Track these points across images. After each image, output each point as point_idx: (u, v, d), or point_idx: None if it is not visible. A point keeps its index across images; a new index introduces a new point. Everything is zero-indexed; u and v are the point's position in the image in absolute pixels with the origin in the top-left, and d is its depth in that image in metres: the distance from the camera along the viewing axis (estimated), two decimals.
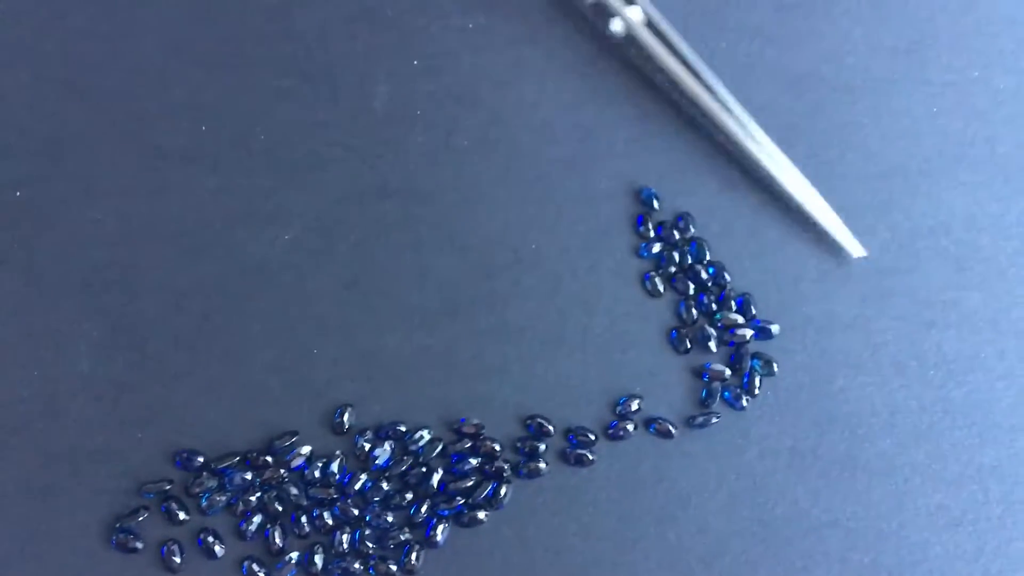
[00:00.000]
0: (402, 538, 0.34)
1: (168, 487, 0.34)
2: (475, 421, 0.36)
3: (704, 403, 0.36)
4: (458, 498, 0.34)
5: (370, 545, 0.34)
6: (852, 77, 0.39)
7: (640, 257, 0.38)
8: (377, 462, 0.35)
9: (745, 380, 0.37)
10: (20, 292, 0.36)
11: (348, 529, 0.34)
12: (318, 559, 0.34)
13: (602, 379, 0.37)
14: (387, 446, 0.35)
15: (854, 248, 0.35)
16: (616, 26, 0.37)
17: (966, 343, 0.38)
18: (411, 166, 0.39)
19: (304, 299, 0.36)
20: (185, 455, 0.34)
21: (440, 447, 0.35)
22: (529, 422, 0.36)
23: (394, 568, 0.34)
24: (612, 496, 0.36)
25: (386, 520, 0.34)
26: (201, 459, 0.34)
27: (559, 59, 0.40)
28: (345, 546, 0.34)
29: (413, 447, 0.35)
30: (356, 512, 0.34)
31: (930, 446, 0.38)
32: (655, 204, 0.40)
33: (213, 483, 0.34)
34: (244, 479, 0.34)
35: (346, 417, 0.36)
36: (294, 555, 0.34)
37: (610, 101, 0.39)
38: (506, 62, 0.39)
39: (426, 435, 0.35)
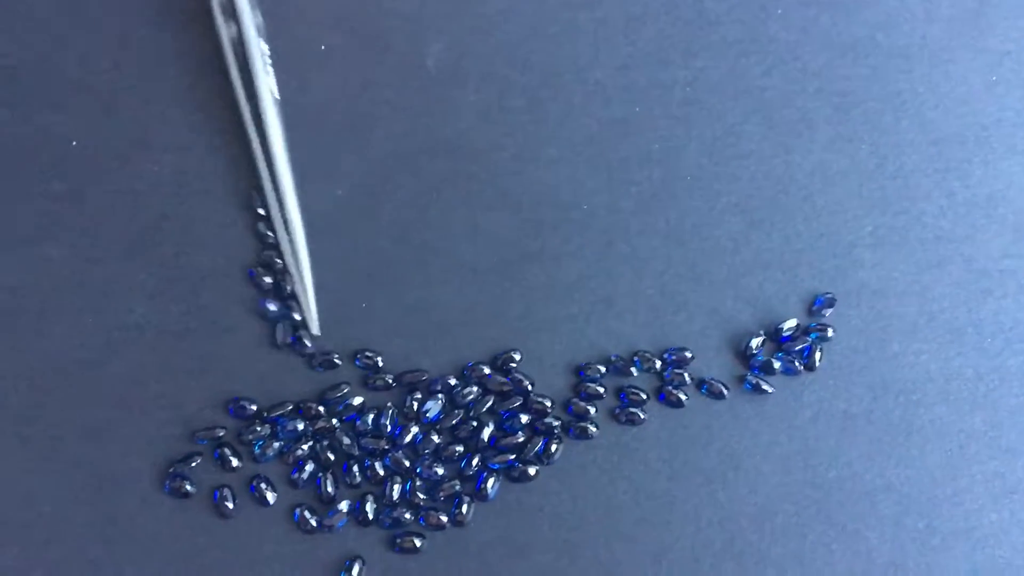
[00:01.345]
0: (453, 490, 0.34)
1: (221, 434, 0.34)
2: (485, 370, 0.35)
3: (758, 369, 0.35)
4: (509, 453, 0.34)
5: (421, 496, 0.34)
6: (909, 44, 0.39)
7: (693, 219, 0.37)
8: (428, 415, 0.34)
9: (804, 351, 0.36)
10: (75, 241, 0.36)
11: (399, 480, 0.33)
12: (369, 508, 0.33)
13: (653, 340, 0.36)
14: (438, 399, 0.34)
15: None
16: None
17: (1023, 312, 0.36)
18: (463, 125, 0.39)
19: (354, 253, 0.36)
20: (238, 403, 0.34)
21: (490, 402, 0.34)
22: (579, 385, 0.35)
23: (444, 519, 0.34)
24: (662, 456, 0.35)
25: (437, 472, 0.34)
26: (254, 407, 0.34)
27: (612, 21, 0.39)
28: (396, 496, 0.33)
29: (463, 401, 0.34)
30: (407, 463, 0.34)
31: (986, 413, 0.37)
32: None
33: (266, 431, 0.34)
34: (296, 428, 0.33)
35: (377, 358, 0.35)
36: (345, 504, 0.33)
37: (661, 62, 0.38)
38: (560, 22, 0.38)
39: (476, 390, 0.34)
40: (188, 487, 0.33)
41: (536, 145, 0.37)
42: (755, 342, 0.35)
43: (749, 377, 0.35)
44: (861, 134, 0.39)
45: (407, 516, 0.33)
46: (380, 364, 0.35)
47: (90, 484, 0.34)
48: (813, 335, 0.36)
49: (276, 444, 0.34)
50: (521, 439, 0.34)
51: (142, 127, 0.37)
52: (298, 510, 0.33)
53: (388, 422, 0.34)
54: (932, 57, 0.39)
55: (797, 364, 0.35)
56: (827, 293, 0.36)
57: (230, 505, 0.33)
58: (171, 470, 0.34)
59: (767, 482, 0.35)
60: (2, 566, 0.33)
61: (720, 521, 0.35)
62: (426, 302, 0.35)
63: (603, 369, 0.35)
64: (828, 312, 0.36)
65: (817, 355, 0.35)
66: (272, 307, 0.35)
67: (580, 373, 0.35)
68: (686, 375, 0.35)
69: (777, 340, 0.36)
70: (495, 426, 0.34)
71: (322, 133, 0.37)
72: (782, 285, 0.37)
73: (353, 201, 0.36)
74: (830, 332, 0.36)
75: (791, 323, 0.36)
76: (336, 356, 0.35)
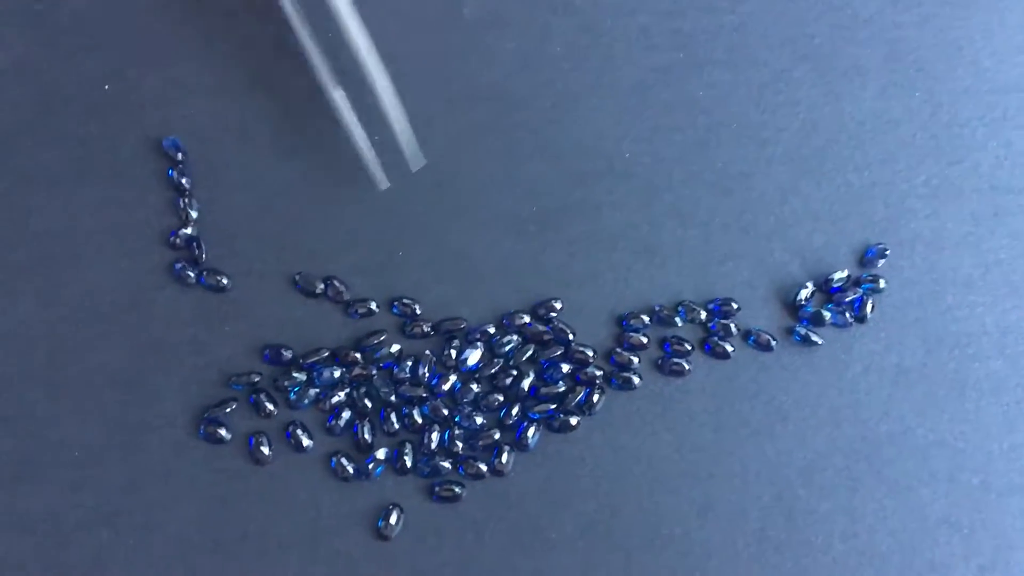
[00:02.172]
0: (492, 439, 0.33)
1: (257, 380, 0.33)
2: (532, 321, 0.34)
3: (807, 320, 0.34)
4: (549, 402, 0.33)
5: (459, 445, 0.33)
6: None
7: (740, 167, 0.36)
8: (467, 364, 0.34)
9: (856, 302, 0.34)
10: (107, 185, 0.35)
11: (437, 428, 0.33)
12: (407, 456, 0.33)
13: (698, 290, 0.35)
14: (477, 348, 0.34)
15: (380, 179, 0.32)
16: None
17: None
18: (502, 72, 0.37)
19: (389, 200, 0.35)
20: (274, 349, 0.33)
21: (530, 352, 0.34)
22: (622, 335, 0.34)
23: (483, 468, 0.33)
24: (707, 408, 0.34)
25: (476, 421, 0.33)
26: (289, 354, 0.33)
27: None
28: (434, 445, 0.33)
29: (502, 350, 0.34)
30: (446, 412, 0.33)
31: None
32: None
33: (302, 378, 0.33)
34: (333, 375, 0.33)
35: (416, 305, 0.34)
36: (382, 451, 0.33)
37: (707, 8, 0.37)
38: None
39: (515, 339, 0.34)
40: (223, 433, 0.33)
41: (578, 92, 0.36)
42: (804, 293, 0.34)
43: (798, 328, 0.34)
44: (915, 82, 0.37)
45: (445, 465, 0.33)
46: (418, 312, 0.34)
47: (123, 429, 0.33)
48: (864, 286, 0.35)
49: (312, 391, 0.33)
50: (562, 389, 0.33)
51: (175, 71, 0.36)
52: (335, 457, 0.33)
53: (426, 370, 0.33)
54: (988, 5, 0.38)
55: (848, 316, 0.34)
56: (879, 244, 0.35)
57: (266, 451, 0.33)
58: (206, 415, 0.33)
59: (816, 436, 0.34)
60: (34, 511, 0.32)
61: (767, 475, 0.34)
62: (465, 250, 0.35)
63: (647, 319, 0.34)
64: (880, 263, 0.35)
65: (868, 307, 0.34)
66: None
67: (623, 323, 0.34)
68: (732, 326, 0.34)
69: (827, 291, 0.35)
70: (535, 376, 0.33)
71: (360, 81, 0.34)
72: (832, 235, 0.35)
73: (390, 144, 0.35)
74: (882, 283, 0.35)
75: (842, 274, 0.35)
76: (373, 303, 0.34)
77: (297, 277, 0.34)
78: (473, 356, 0.33)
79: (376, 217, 0.35)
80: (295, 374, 0.33)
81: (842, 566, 0.33)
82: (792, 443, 0.34)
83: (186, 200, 0.34)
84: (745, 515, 0.34)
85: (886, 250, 0.35)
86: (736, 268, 0.35)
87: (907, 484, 0.34)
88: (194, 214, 0.34)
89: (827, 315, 0.34)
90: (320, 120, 0.35)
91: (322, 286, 0.34)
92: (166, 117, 0.35)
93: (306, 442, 0.33)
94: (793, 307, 0.35)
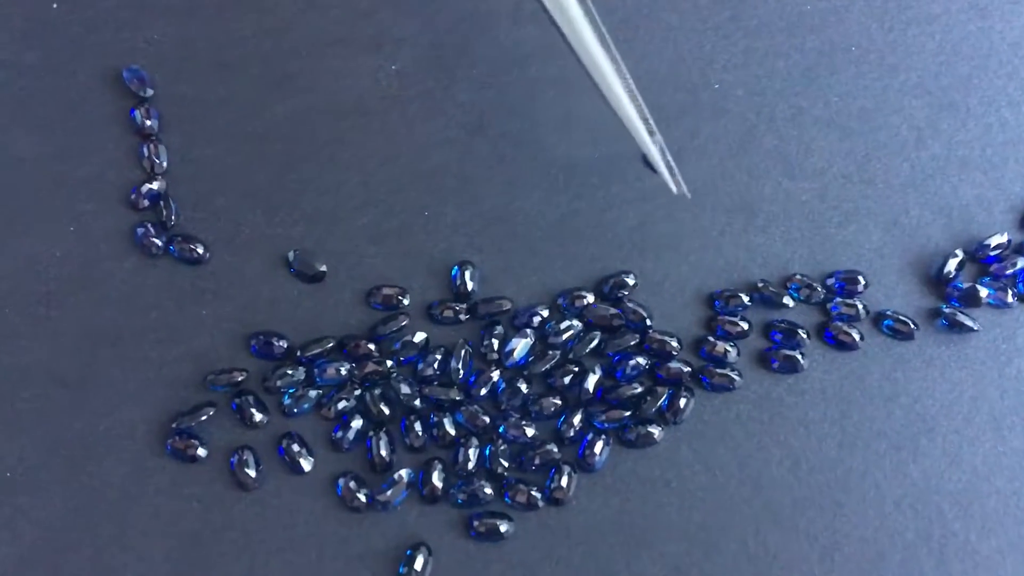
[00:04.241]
0: (548, 456, 0.29)
1: (241, 379, 0.29)
2: (610, 308, 0.30)
3: (956, 299, 0.30)
4: (622, 409, 0.29)
5: (504, 464, 0.29)
6: None
7: (861, 101, 0.32)
8: (513, 358, 0.29)
9: (1020, 276, 0.30)
10: (53, 127, 0.31)
11: (476, 442, 0.29)
12: (436, 479, 0.29)
13: (813, 261, 0.31)
14: (526, 337, 0.29)
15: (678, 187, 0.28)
16: None
17: None
18: None
19: (414, 147, 0.31)
20: (263, 339, 0.29)
21: (595, 342, 0.29)
22: (714, 320, 0.30)
23: (537, 495, 0.28)
24: (830, 415, 0.29)
25: (525, 433, 0.29)
26: (284, 344, 0.29)
27: None
28: (472, 464, 0.29)
29: (558, 340, 0.29)
30: (486, 420, 0.29)
31: None
32: None
33: (300, 375, 0.29)
34: (340, 372, 0.29)
35: (468, 281, 0.30)
36: (405, 473, 0.29)
37: None
38: None
39: (576, 325, 0.29)
40: (198, 448, 0.29)
41: (649, 5, 0.32)
42: (951, 264, 0.30)
43: (945, 310, 0.30)
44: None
45: (487, 491, 0.28)
46: (452, 290, 0.30)
47: (68, 443, 0.29)
48: None
49: (313, 393, 0.29)
50: (638, 390, 0.29)
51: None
52: (342, 480, 0.29)
53: (461, 366, 0.29)
54: None
55: (1009, 293, 0.30)
56: None
57: (252, 473, 0.29)
58: (175, 425, 0.29)
59: (974, 452, 0.29)
60: None
61: (910, 504, 0.29)
62: (509, 210, 0.31)
63: (746, 299, 0.30)
64: None
65: None
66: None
67: (715, 304, 0.30)
68: (860, 307, 0.30)
69: (981, 261, 0.31)
70: (603, 373, 0.29)
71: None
72: (985, 188, 0.31)
73: (411, 77, 0.32)
74: None
75: (1000, 238, 0.30)
76: (404, 297, 0.30)
77: (292, 256, 0.30)
78: (521, 347, 0.29)
79: (393, 167, 0.31)
80: (290, 371, 0.29)
81: None
82: (942, 463, 0.29)
83: (152, 147, 0.31)
84: (883, 558, 0.28)
85: None
86: (861, 232, 0.31)
87: None
88: (162, 164, 0.31)
89: (983, 292, 0.30)
90: (321, 44, 0.32)
91: (324, 268, 0.30)
92: (128, 42, 0.32)
93: (305, 462, 0.29)
94: (938, 283, 0.31)
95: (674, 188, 0.27)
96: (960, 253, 0.30)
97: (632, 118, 0.27)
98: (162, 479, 0.28)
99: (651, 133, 0.27)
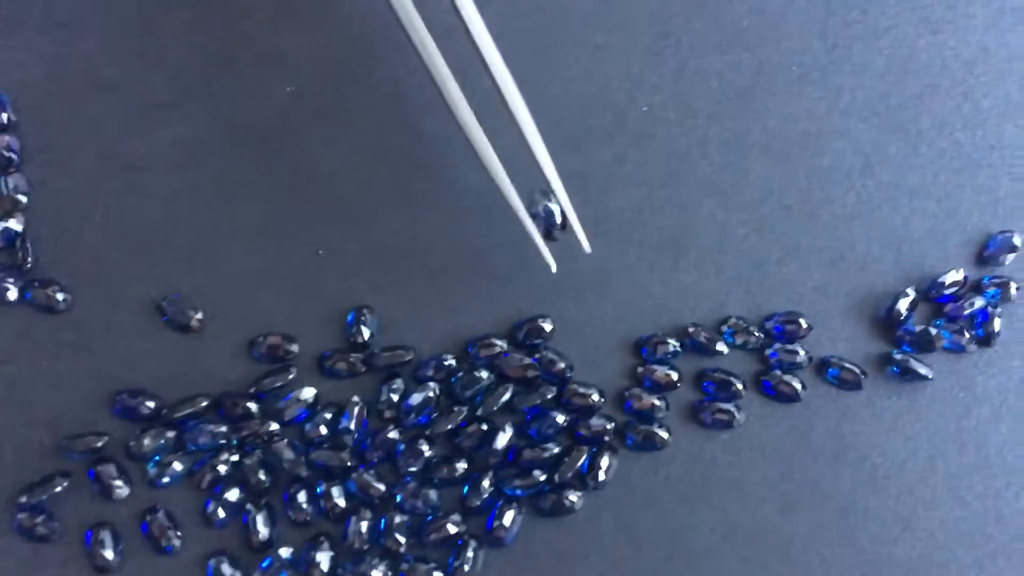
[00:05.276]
0: (451, 530, 0.27)
1: (100, 444, 0.27)
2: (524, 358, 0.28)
3: (908, 344, 0.29)
4: (536, 472, 0.28)
5: (401, 540, 0.27)
6: None
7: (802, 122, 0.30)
8: (413, 416, 0.28)
9: (978, 316, 0.29)
10: None
11: (369, 515, 0.27)
12: (322, 559, 0.27)
13: (750, 301, 0.29)
14: (428, 391, 0.28)
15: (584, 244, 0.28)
16: None
17: None
18: None
19: (308, 176, 0.29)
20: (128, 397, 0.28)
21: (508, 395, 0.28)
22: (641, 369, 0.28)
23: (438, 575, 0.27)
24: (769, 477, 0.28)
25: (427, 501, 0.27)
26: (152, 404, 0.28)
27: None
28: (364, 540, 0.27)
29: (467, 393, 0.28)
30: (382, 488, 0.27)
31: None
32: None
33: (168, 440, 0.28)
34: (214, 435, 0.27)
35: (364, 329, 0.28)
36: (286, 551, 0.27)
37: None
38: None
39: (486, 376, 0.28)
40: (49, 525, 0.27)
41: (578, 25, 0.30)
42: (903, 304, 0.29)
43: (896, 356, 0.29)
44: None
45: (380, 571, 0.27)
46: (347, 339, 0.29)
47: None
48: (989, 293, 0.30)
49: (183, 460, 0.28)
50: (555, 451, 0.28)
51: None
52: (213, 561, 0.27)
53: (354, 426, 0.28)
54: None
55: (966, 336, 0.29)
56: (1005, 231, 0.30)
57: (110, 554, 0.27)
58: (22, 499, 0.27)
59: (930, 516, 0.28)
60: None
61: (859, 571, 0.27)
62: (413, 246, 0.29)
63: (676, 345, 0.29)
64: (1008, 259, 0.30)
65: (996, 323, 0.29)
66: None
67: (642, 351, 0.29)
68: (802, 353, 0.29)
69: (935, 300, 0.30)
70: (515, 431, 0.28)
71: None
72: (938, 220, 0.30)
73: (307, 98, 0.30)
74: (1013, 289, 0.29)
75: (955, 275, 0.29)
76: (293, 345, 0.28)
77: (164, 303, 0.28)
78: (423, 402, 0.28)
79: (285, 199, 0.29)
80: (157, 435, 0.27)
81: None
82: (895, 527, 0.28)
83: (10, 180, 0.29)
84: None
85: (1014, 239, 0.30)
86: (803, 269, 0.29)
87: None
88: (21, 199, 0.29)
89: (938, 336, 0.29)
90: (213, 66, 0.30)
91: (200, 316, 0.28)
92: None
93: (172, 538, 0.27)
94: (888, 325, 0.29)
95: (552, 266, 0.26)
96: (912, 292, 0.29)
97: (502, 183, 0.26)
98: (7, 561, 0.27)
99: (537, 194, 0.26)
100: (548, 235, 0.27)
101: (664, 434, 0.27)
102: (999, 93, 0.30)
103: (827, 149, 0.30)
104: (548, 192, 0.27)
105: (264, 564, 0.26)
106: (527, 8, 0.31)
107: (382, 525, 0.27)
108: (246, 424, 0.27)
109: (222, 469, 0.27)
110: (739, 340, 0.28)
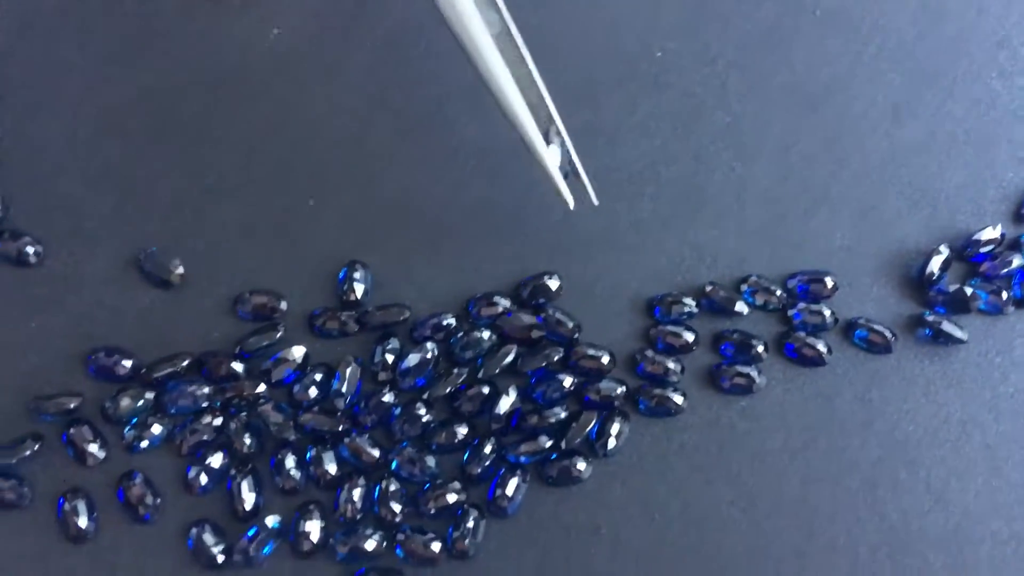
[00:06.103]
0: (450, 499, 0.26)
1: (74, 405, 0.27)
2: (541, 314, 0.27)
3: (941, 305, 0.28)
4: (542, 438, 0.27)
5: (397, 508, 0.26)
6: None
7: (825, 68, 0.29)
8: (409, 379, 0.26)
9: (1016, 276, 0.28)
10: None
11: (362, 482, 0.26)
12: (312, 527, 0.26)
13: (771, 259, 0.28)
14: (426, 352, 0.26)
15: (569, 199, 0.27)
16: None
17: None
18: None
19: (298, 122, 0.28)
20: (103, 356, 0.27)
21: (511, 356, 0.27)
22: (654, 330, 0.27)
23: (436, 548, 0.26)
24: (791, 444, 0.27)
25: (425, 468, 0.26)
26: (129, 363, 0.27)
27: None
28: (357, 509, 0.26)
29: (467, 354, 0.27)
30: (376, 455, 0.26)
31: None
32: None
33: (147, 401, 0.27)
34: (196, 396, 0.26)
35: (356, 285, 0.27)
36: (273, 519, 0.26)
37: None
38: None
39: (488, 337, 0.27)
40: (19, 491, 0.26)
41: None
42: (935, 262, 0.28)
43: (928, 318, 0.28)
44: None
45: (375, 541, 0.26)
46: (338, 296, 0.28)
47: None
48: None
49: (161, 424, 0.27)
50: (561, 416, 0.27)
51: None
52: (195, 531, 0.26)
53: (346, 388, 0.27)
54: None
55: (1003, 297, 0.28)
56: None
57: (83, 522, 0.26)
58: None
59: (964, 489, 0.27)
60: None
61: (890, 552, 0.26)
62: (410, 199, 0.28)
63: (692, 305, 0.28)
64: None
65: None
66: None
67: (655, 311, 0.28)
68: (827, 314, 0.28)
69: (970, 259, 0.29)
70: (519, 395, 0.27)
71: None
72: (972, 173, 0.29)
73: (294, 41, 0.29)
74: None
75: (991, 232, 0.28)
76: (282, 301, 0.27)
77: (142, 256, 0.27)
78: (420, 364, 0.27)
79: (272, 146, 0.28)
80: (135, 396, 0.26)
81: None
82: (926, 500, 0.27)
83: None
84: None
85: None
86: (829, 224, 0.28)
87: None
88: None
89: (973, 296, 0.28)
90: (195, 5, 0.29)
91: (181, 270, 0.27)
92: None
93: (151, 505, 0.26)
94: (919, 285, 0.28)
95: (570, 202, 0.25)
96: (945, 250, 0.28)
97: (520, 118, 0.24)
98: None
99: (549, 134, 0.25)
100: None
101: (679, 399, 0.27)
102: None
103: (855, 97, 0.29)
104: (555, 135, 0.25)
105: (249, 534, 0.26)
106: None
107: (376, 493, 0.26)
108: (230, 385, 0.26)
109: (204, 433, 0.26)
110: (760, 300, 0.27)
